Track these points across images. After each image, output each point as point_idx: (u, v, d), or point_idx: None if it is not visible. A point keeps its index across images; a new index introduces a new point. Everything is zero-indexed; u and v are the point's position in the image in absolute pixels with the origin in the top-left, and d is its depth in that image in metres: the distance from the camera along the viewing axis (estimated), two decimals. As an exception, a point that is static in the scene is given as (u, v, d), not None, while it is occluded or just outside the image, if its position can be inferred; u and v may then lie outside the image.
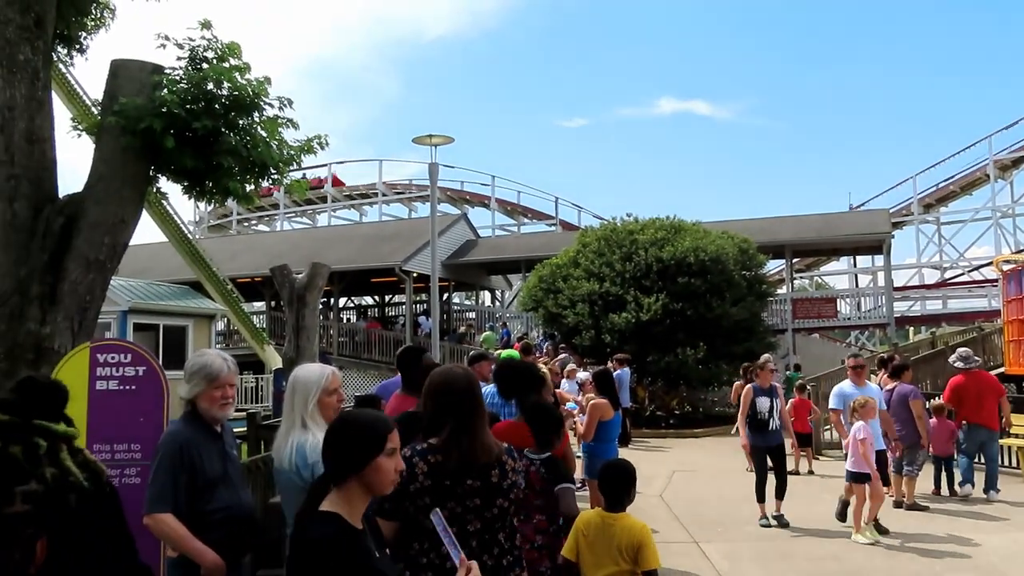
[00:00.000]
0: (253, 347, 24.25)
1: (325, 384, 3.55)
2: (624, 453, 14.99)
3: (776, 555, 7.47)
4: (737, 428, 10.78)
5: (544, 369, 8.72)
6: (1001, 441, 11.98)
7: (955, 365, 11.06)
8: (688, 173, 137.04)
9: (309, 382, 3.54)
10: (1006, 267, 18.95)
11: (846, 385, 9.24)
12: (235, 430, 4.09)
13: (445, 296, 32.87)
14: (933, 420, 10.53)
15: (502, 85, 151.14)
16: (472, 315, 34.11)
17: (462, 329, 31.48)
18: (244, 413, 11.45)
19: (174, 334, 20.69)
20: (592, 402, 7.51)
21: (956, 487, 10.36)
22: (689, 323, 20.33)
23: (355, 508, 2.30)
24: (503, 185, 40.63)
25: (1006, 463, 11.93)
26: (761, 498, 8.81)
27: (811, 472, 12.58)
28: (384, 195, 42.59)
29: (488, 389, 6.65)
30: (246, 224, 45.65)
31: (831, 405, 9.47)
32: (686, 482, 11.81)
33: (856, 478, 8.02)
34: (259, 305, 33.40)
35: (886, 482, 9.09)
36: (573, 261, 22.62)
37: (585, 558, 3.69)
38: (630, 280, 21.03)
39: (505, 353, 8.59)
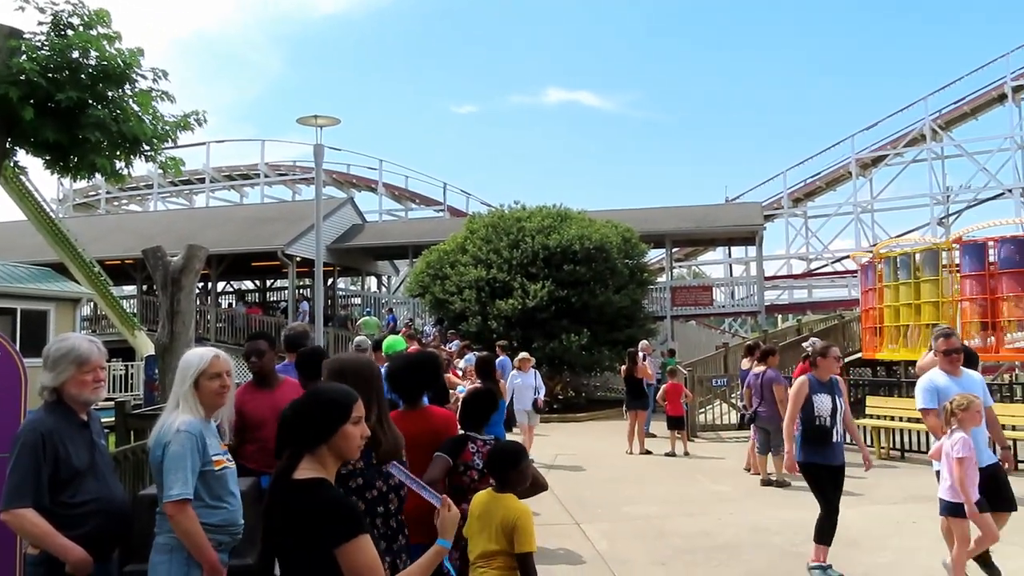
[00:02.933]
0: (123, 333, 23.14)
1: (204, 367, 3.44)
2: (510, 438, 15.20)
3: (653, 534, 7.72)
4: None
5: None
6: (859, 421, 12.78)
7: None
8: (575, 162, 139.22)
9: (189, 364, 3.45)
10: (862, 260, 20.20)
11: (938, 376, 6.27)
12: (103, 420, 3.88)
13: (330, 281, 32.30)
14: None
15: (392, 68, 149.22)
16: (358, 300, 33.65)
17: (344, 313, 31.03)
18: (112, 402, 10.93)
19: (33, 319, 19.50)
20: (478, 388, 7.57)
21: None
22: (573, 310, 20.71)
23: (330, 473, 2.48)
24: (391, 170, 40.20)
25: (864, 441, 12.71)
26: (826, 538, 6.52)
27: (687, 454, 13.04)
28: (267, 176, 41.39)
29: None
30: (116, 203, 43.45)
31: (922, 404, 6.25)
32: (569, 465, 12.04)
33: (953, 510, 5.72)
34: (129, 289, 31.90)
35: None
36: (461, 247, 22.64)
37: (471, 535, 3.72)
38: (517, 267, 21.23)
39: (391, 340, 8.48)
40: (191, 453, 3.25)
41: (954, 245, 16.95)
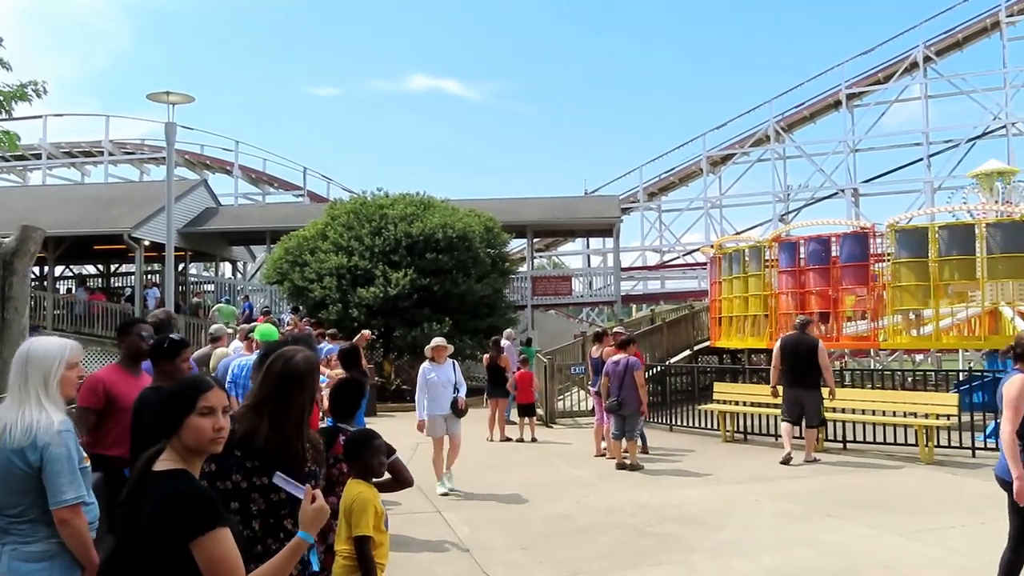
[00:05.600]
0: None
1: (69, 357, 3.27)
2: (373, 427, 15.09)
3: (514, 519, 7.92)
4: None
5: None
6: (705, 406, 13.54)
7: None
8: (439, 151, 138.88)
9: (49, 356, 3.21)
10: (710, 254, 21.34)
11: None
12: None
13: (181, 267, 30.95)
14: None
15: (250, 45, 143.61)
16: (211, 287, 32.38)
17: (196, 301, 29.83)
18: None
19: None
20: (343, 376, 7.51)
21: (647, 448, 11.61)
22: (436, 298, 20.78)
23: (191, 466, 2.41)
24: (248, 151, 38.73)
25: (709, 425, 13.48)
26: None
27: (534, 440, 13.40)
28: (112, 154, 39.03)
29: (245, 362, 6.42)
30: (-63, 180, 39.90)
31: None
32: (430, 454, 12.11)
33: None
34: (-45, 272, 29.32)
35: None
36: (321, 234, 22.26)
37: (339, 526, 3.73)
38: (379, 255, 21.09)
39: (263, 328, 8.16)
40: (74, 453, 3.11)
41: (773, 243, 18.20)
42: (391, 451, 4.06)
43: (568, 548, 6.86)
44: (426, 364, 9.33)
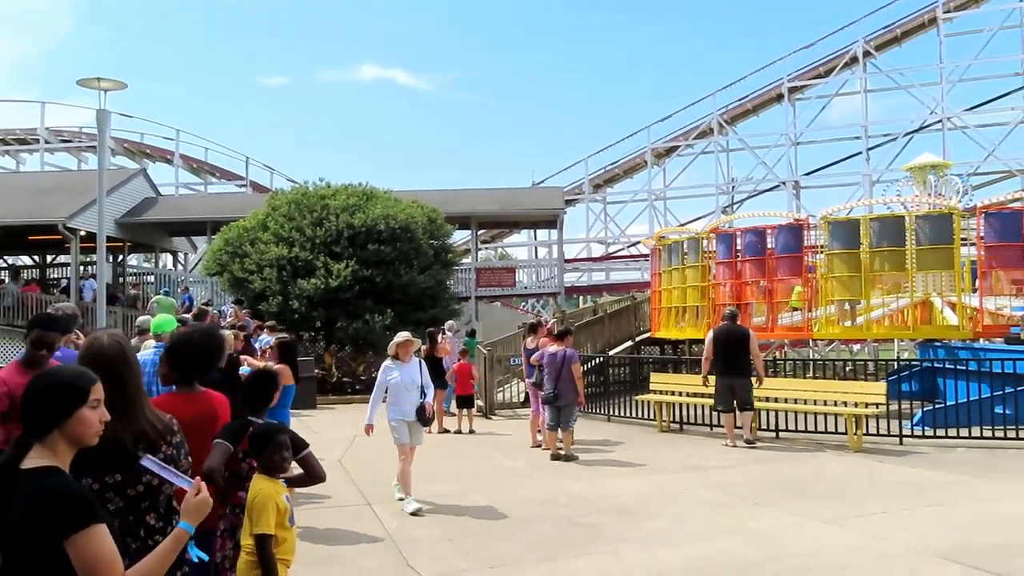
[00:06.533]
0: None
1: None
2: (310, 420, 14.93)
3: (446, 511, 7.87)
4: None
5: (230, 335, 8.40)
6: (640, 397, 13.67)
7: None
8: (387, 141, 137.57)
9: None
10: (651, 245, 21.55)
11: None
12: None
13: (120, 258, 30.23)
14: None
15: (195, 31, 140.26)
16: (151, 279, 31.68)
17: (134, 292, 29.15)
18: None
19: None
20: (277, 368, 7.38)
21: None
22: (378, 290, 20.64)
23: (63, 462, 2.33)
24: (189, 140, 37.99)
25: (646, 415, 13.60)
26: None
27: (472, 431, 13.41)
28: (48, 142, 37.91)
29: (151, 356, 6.24)
30: None
31: None
32: (367, 447, 11.97)
33: None
34: None
35: None
36: (262, 224, 21.96)
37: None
38: (321, 246, 20.86)
39: (157, 320, 7.50)
40: None
41: (711, 235, 18.47)
42: (302, 446, 3.98)
43: (498, 539, 6.85)
44: (388, 363, 8.20)
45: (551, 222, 30.14)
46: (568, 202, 33.92)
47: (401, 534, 7.00)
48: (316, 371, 18.46)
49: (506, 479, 9.58)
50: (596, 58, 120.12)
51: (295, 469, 3.98)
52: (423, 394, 8.03)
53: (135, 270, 33.46)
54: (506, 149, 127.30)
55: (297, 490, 6.60)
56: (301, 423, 13.61)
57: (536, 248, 37.00)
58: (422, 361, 8.37)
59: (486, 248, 38.79)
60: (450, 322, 17.47)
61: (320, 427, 14.09)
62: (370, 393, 8.62)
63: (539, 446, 11.57)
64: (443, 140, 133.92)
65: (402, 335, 8.32)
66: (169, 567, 2.44)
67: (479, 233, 30.45)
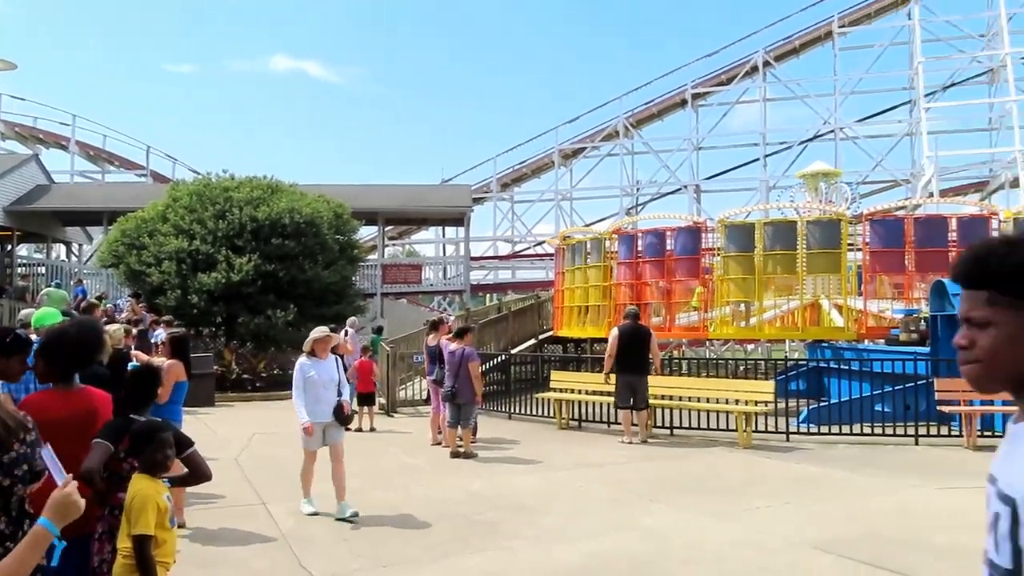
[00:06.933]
0: None
1: None
2: (207, 418, 14.57)
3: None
4: None
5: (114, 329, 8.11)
6: (541, 395, 13.86)
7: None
8: (294, 134, 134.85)
9: None
10: (557, 245, 21.86)
11: None
12: None
13: (8, 247, 28.79)
14: None
15: (98, 11, 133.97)
16: (42, 270, 30.24)
17: (23, 284, 27.79)
18: None
19: None
20: (169, 364, 7.20)
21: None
22: (281, 285, 20.29)
23: None
24: (86, 127, 36.45)
25: (547, 413, 13.80)
26: None
27: (373, 429, 13.37)
28: (-69, 126, 35.77)
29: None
30: None
31: None
32: (265, 444, 11.83)
33: None
34: None
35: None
36: (162, 216, 21.29)
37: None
38: (223, 239, 20.36)
39: (39, 313, 7.13)
40: None
41: (613, 235, 18.89)
42: (187, 443, 3.91)
43: (393, 538, 6.85)
44: (304, 359, 7.76)
45: (458, 220, 30.19)
46: (476, 200, 34.05)
47: (296, 534, 6.93)
48: (215, 367, 18.01)
49: (405, 477, 9.57)
50: (509, 58, 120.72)
51: (181, 468, 3.90)
52: (339, 392, 7.72)
53: (25, 261, 31.91)
54: (416, 146, 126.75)
55: (188, 490, 6.47)
56: (197, 421, 13.28)
57: (443, 245, 37.01)
58: (339, 358, 8.06)
59: (393, 244, 38.49)
60: (351, 319, 17.31)
61: (217, 425, 13.78)
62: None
63: (439, 444, 11.60)
64: (353, 135, 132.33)
65: (320, 330, 7.94)
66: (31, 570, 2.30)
67: (386, 229, 30.26)
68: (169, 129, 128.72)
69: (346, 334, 14.80)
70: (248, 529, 7.08)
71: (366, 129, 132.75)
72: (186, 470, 3.92)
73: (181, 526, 6.44)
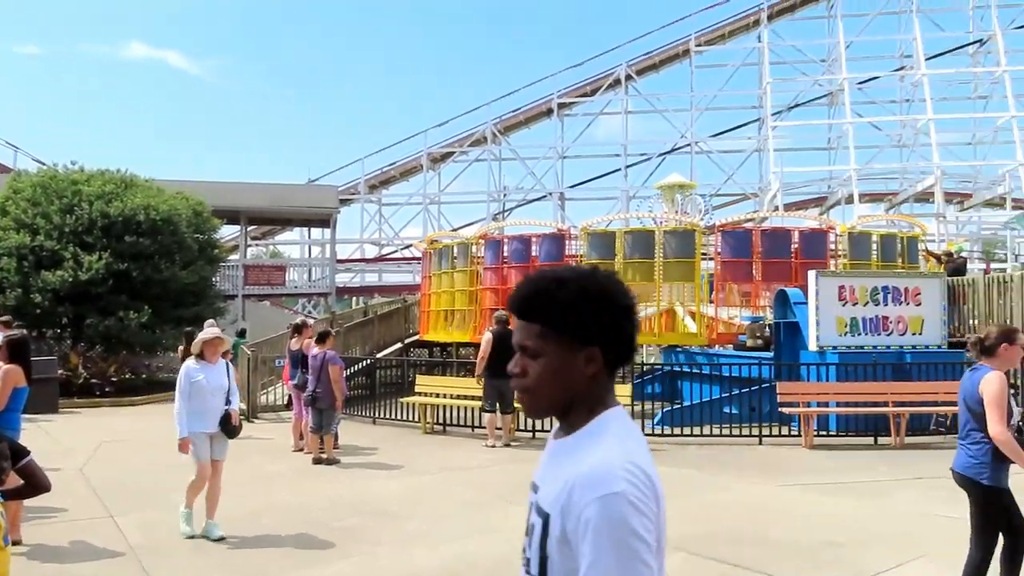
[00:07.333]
0: None
1: None
2: (49, 425, 13.79)
3: (196, 521, 7.57)
4: None
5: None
6: (406, 399, 13.89)
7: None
8: (151, 126, 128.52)
9: None
10: (424, 249, 21.92)
11: None
12: None
13: None
14: None
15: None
16: None
17: None
18: None
19: None
20: (6, 369, 6.79)
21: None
22: (135, 285, 19.45)
23: None
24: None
25: (412, 417, 13.82)
26: None
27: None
28: None
29: None
30: None
31: None
32: (114, 453, 11.31)
33: None
34: None
35: None
36: (1, 209, 19.99)
37: None
38: (70, 235, 19.31)
39: None
40: None
41: (480, 240, 19.16)
42: (23, 453, 3.74)
43: (250, 547, 6.73)
44: (192, 363, 7.12)
45: (325, 221, 29.73)
46: (343, 201, 33.61)
47: (145, 547, 6.67)
48: (60, 372, 17.02)
49: (265, 484, 9.39)
50: (379, 58, 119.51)
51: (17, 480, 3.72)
52: (228, 400, 7.17)
53: None
54: (282, 144, 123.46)
55: (26, 503, 6.12)
56: (38, 429, 12.56)
57: (309, 247, 36.29)
58: (229, 363, 7.52)
59: (256, 245, 37.47)
60: (209, 320, 16.72)
61: (61, 433, 13.05)
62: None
63: (301, 450, 11.44)
64: (215, 130, 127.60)
65: (211, 331, 7.43)
66: None
67: (249, 229, 29.45)
68: (10, 115, 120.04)
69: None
70: (94, 544, 6.75)
71: (229, 125, 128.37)
72: (22, 482, 3.75)
73: (16, 543, 6.10)
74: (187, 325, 17.70)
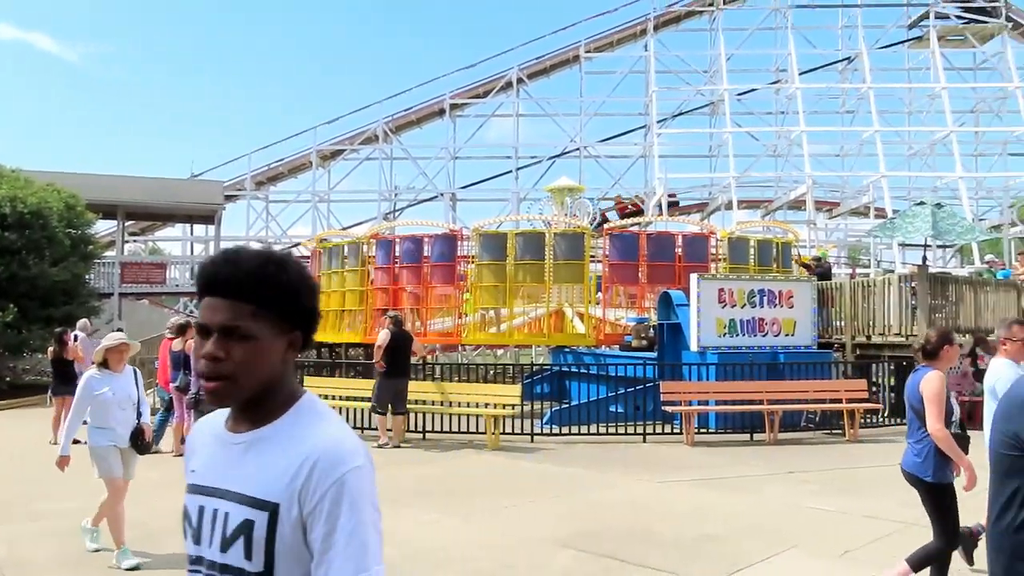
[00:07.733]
0: None
1: None
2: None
3: (68, 531, 7.23)
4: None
5: None
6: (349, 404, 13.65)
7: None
8: (17, 113, 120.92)
9: None
10: (313, 248, 21.57)
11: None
12: None
13: None
14: None
15: None
16: None
17: None
18: None
19: None
20: None
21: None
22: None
23: None
24: None
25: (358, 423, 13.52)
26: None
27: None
28: None
29: None
30: None
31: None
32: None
33: None
34: None
35: None
36: None
37: None
38: (-77, 229, 18.01)
39: None
40: None
41: (371, 240, 19.04)
42: None
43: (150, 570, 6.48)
44: (94, 372, 6.51)
45: (209, 217, 28.81)
46: (228, 197, 32.59)
47: (11, 560, 6.35)
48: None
49: (143, 491, 8.97)
50: (267, 50, 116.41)
51: None
52: (139, 413, 6.61)
53: None
54: (163, 137, 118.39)
55: None
56: None
57: (192, 244, 34.99)
58: (137, 371, 6.88)
59: (134, 241, 35.85)
60: (83, 321, 15.96)
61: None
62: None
63: (182, 455, 11.05)
64: (91, 119, 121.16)
65: (116, 336, 6.73)
66: None
67: (127, 224, 28.19)
68: None
69: (75, 339, 13.70)
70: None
71: (106, 114, 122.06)
72: None
73: None
74: (57, 325, 16.81)
